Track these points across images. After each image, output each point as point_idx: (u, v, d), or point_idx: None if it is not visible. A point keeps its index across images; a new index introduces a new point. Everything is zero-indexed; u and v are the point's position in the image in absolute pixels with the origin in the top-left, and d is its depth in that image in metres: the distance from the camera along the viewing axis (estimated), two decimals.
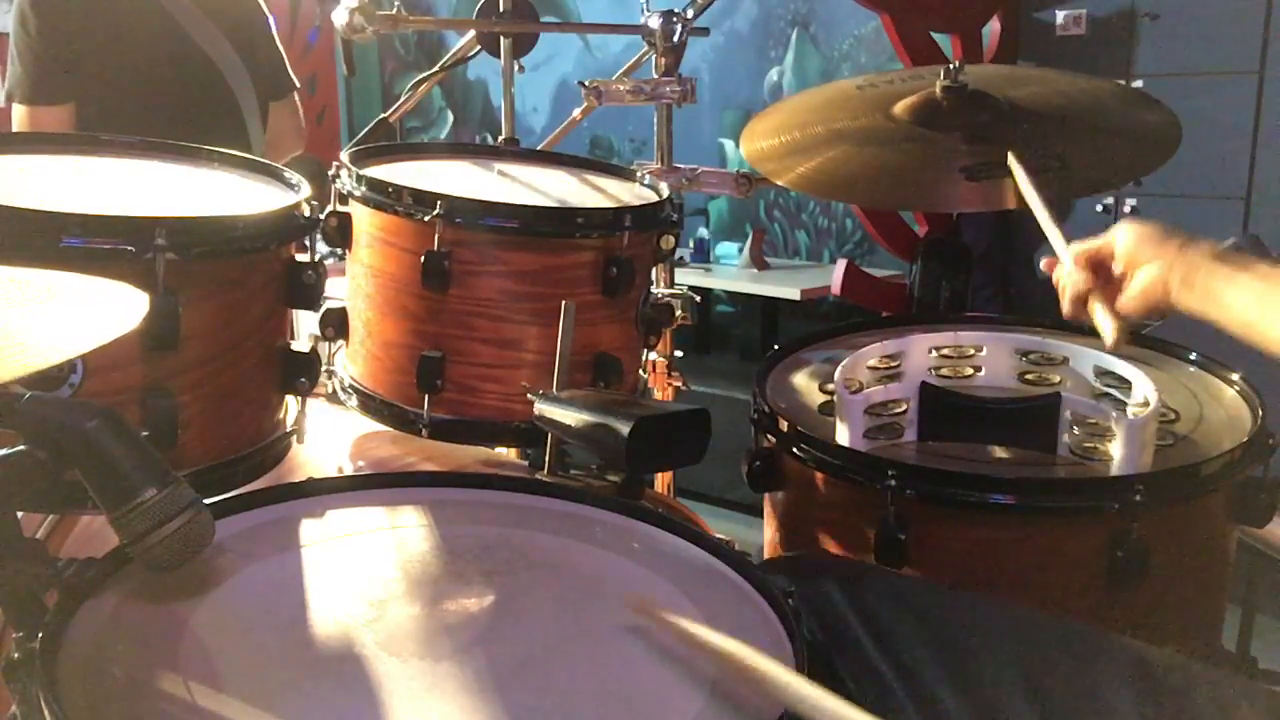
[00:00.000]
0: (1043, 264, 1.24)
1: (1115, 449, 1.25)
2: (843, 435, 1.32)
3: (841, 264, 3.78)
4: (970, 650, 0.99)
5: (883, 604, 1.05)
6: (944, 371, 1.47)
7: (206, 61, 2.34)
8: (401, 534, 1.06)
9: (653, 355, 1.75)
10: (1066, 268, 1.18)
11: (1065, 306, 1.19)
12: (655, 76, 2.00)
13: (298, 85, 2.63)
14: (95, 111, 2.26)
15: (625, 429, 1.13)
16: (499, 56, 1.95)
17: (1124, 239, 1.14)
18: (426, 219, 1.30)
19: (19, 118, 2.26)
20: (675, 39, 1.97)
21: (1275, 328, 1.00)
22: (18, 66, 2.23)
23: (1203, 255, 1.07)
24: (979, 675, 0.97)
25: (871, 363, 1.43)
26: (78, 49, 2.22)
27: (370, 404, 1.43)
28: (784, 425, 1.35)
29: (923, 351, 1.46)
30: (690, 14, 2.01)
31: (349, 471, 1.46)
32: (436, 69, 2.19)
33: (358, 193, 1.37)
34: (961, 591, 1.13)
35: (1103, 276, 1.16)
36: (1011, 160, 1.42)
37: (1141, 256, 1.12)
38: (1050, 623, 1.04)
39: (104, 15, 2.25)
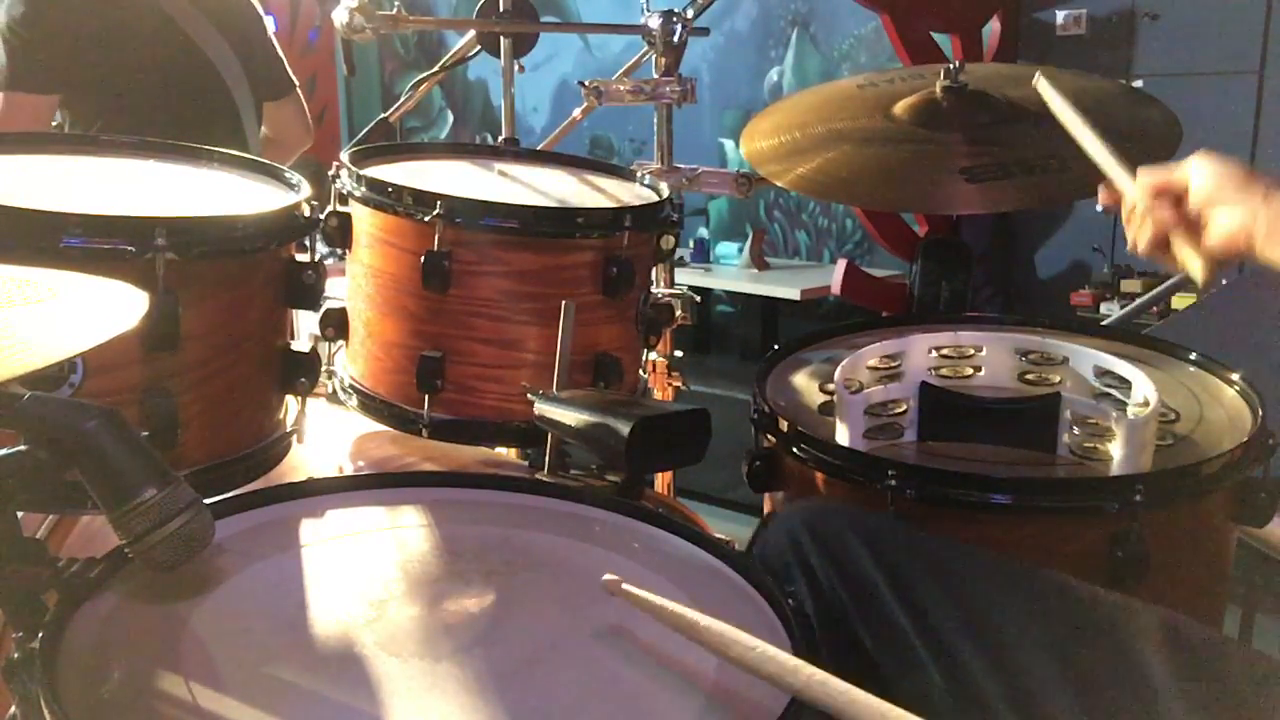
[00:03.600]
0: (1102, 196, 1.16)
1: (1115, 449, 1.25)
2: (843, 435, 1.32)
3: (841, 264, 3.79)
4: (993, 607, 0.98)
5: (904, 557, 1.04)
6: (944, 371, 1.47)
7: (204, 60, 2.34)
8: (401, 534, 1.06)
9: (653, 355, 1.75)
10: (1137, 200, 1.09)
11: (1141, 246, 1.10)
12: (655, 76, 2.00)
13: (297, 83, 2.63)
14: (91, 109, 2.26)
15: (625, 429, 1.13)
16: (499, 56, 1.95)
17: (1202, 176, 1.06)
18: (426, 219, 1.30)
19: None
20: (675, 39, 1.97)
21: None
22: (1, 53, 2.23)
23: None
24: (1001, 632, 0.96)
25: (871, 363, 1.43)
26: (69, 42, 2.22)
27: (370, 404, 1.43)
28: (784, 425, 1.35)
29: (923, 351, 1.46)
30: (690, 14, 2.02)
31: (349, 471, 1.46)
32: (436, 69, 2.19)
33: (358, 193, 1.38)
34: (986, 550, 1.12)
35: (1178, 212, 1.07)
36: (1041, 84, 1.33)
37: (1222, 198, 1.03)
38: (1075, 586, 1.02)
39: (100, 12, 2.25)
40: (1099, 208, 1.17)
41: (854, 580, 1.03)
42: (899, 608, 0.99)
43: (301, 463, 1.38)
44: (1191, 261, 1.06)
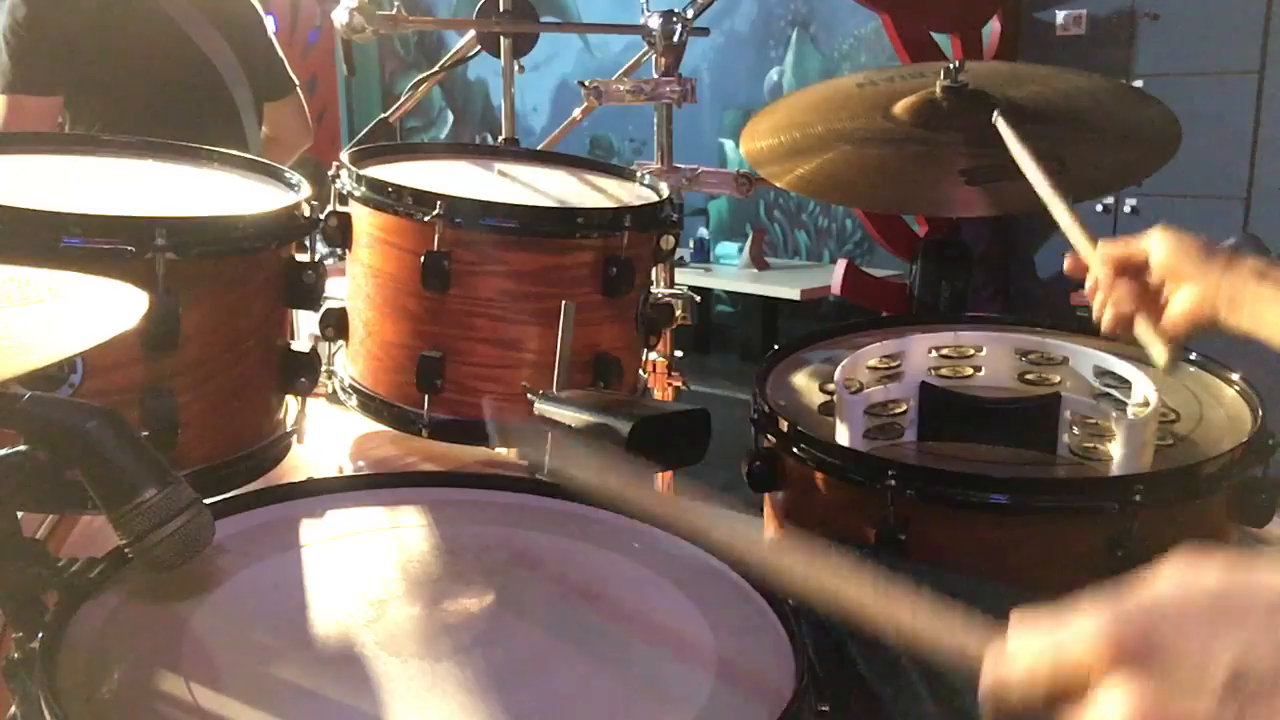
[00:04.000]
0: (1067, 264, 1.16)
1: (1115, 449, 1.25)
2: (843, 435, 1.32)
3: (841, 264, 3.79)
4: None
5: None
6: (944, 371, 1.47)
7: (204, 60, 2.34)
8: (401, 534, 1.06)
9: (653, 355, 1.75)
10: (1101, 279, 1.11)
11: (1105, 323, 1.11)
12: (655, 76, 2.00)
13: (297, 83, 2.63)
14: (91, 109, 2.26)
15: (625, 429, 1.13)
16: (499, 56, 1.95)
17: (1161, 251, 1.07)
18: (426, 219, 1.30)
19: (1, 108, 2.25)
20: (675, 39, 1.98)
21: None
22: (3, 55, 2.23)
23: (1248, 275, 1.01)
24: None
25: (871, 363, 1.43)
26: (70, 43, 2.22)
27: (370, 404, 1.43)
28: (784, 425, 1.35)
29: (923, 351, 1.46)
30: (690, 14, 2.02)
31: (349, 471, 1.46)
32: (436, 69, 2.19)
33: (357, 193, 1.38)
34: (974, 578, 1.12)
35: (1139, 286, 1.08)
36: (1000, 124, 1.34)
37: (1183, 273, 1.05)
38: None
39: (101, 12, 2.25)
40: (1065, 268, 1.17)
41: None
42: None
43: (301, 463, 1.38)
44: (1153, 346, 1.08)
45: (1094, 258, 1.13)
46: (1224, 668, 0.54)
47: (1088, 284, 1.14)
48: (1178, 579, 0.59)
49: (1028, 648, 0.61)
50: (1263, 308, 1.00)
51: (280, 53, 2.59)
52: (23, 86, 2.23)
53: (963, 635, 0.67)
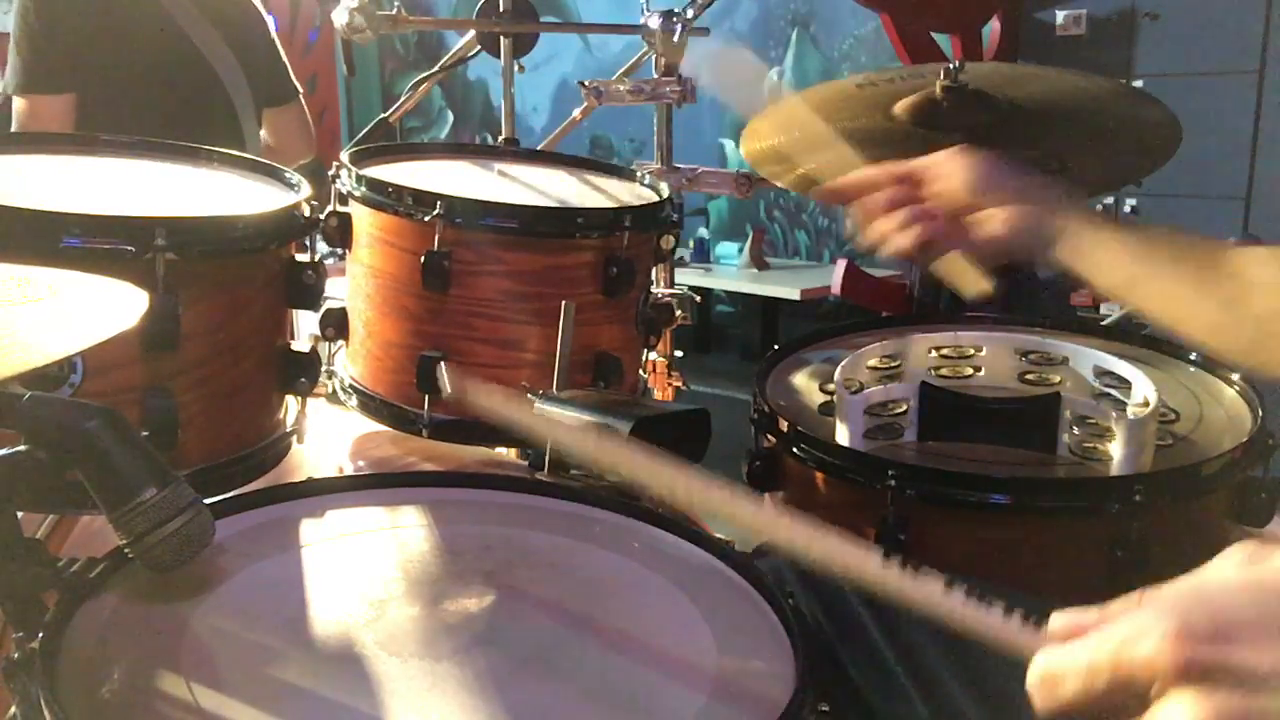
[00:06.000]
0: (820, 192, 1.07)
1: (1115, 449, 1.25)
2: (843, 435, 1.32)
3: (841, 264, 3.79)
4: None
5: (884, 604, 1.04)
6: (944, 371, 1.47)
7: (203, 63, 2.34)
8: (401, 534, 1.06)
9: (653, 355, 1.75)
10: (881, 194, 1.03)
11: (906, 246, 1.02)
12: (655, 76, 2.00)
13: (301, 90, 2.62)
14: (92, 109, 2.26)
15: (625, 429, 1.13)
16: (499, 56, 1.95)
17: (971, 169, 1.00)
18: (426, 219, 1.30)
19: (19, 110, 2.26)
20: (675, 39, 1.98)
21: (1148, 288, 0.94)
22: (17, 58, 2.23)
23: (1074, 204, 0.97)
24: (983, 662, 0.96)
25: (871, 363, 1.43)
26: (77, 41, 2.23)
27: (370, 404, 1.43)
28: (784, 425, 1.35)
29: (923, 351, 1.46)
30: (690, 14, 2.02)
31: (349, 471, 1.46)
32: (436, 69, 2.19)
33: (358, 193, 1.38)
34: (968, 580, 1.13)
35: (935, 211, 1.00)
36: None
37: (1001, 191, 0.99)
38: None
39: (104, 12, 2.25)
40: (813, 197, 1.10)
41: (840, 616, 1.03)
42: (884, 641, 1.00)
43: (301, 463, 1.38)
44: (965, 275, 1.01)
45: (867, 173, 1.04)
46: None
47: (854, 207, 1.05)
48: (1244, 580, 0.57)
49: (1087, 645, 0.58)
50: (1087, 238, 0.96)
51: (284, 59, 2.57)
52: (37, 86, 2.23)
53: (1007, 629, 0.65)
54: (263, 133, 2.55)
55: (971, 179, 1.00)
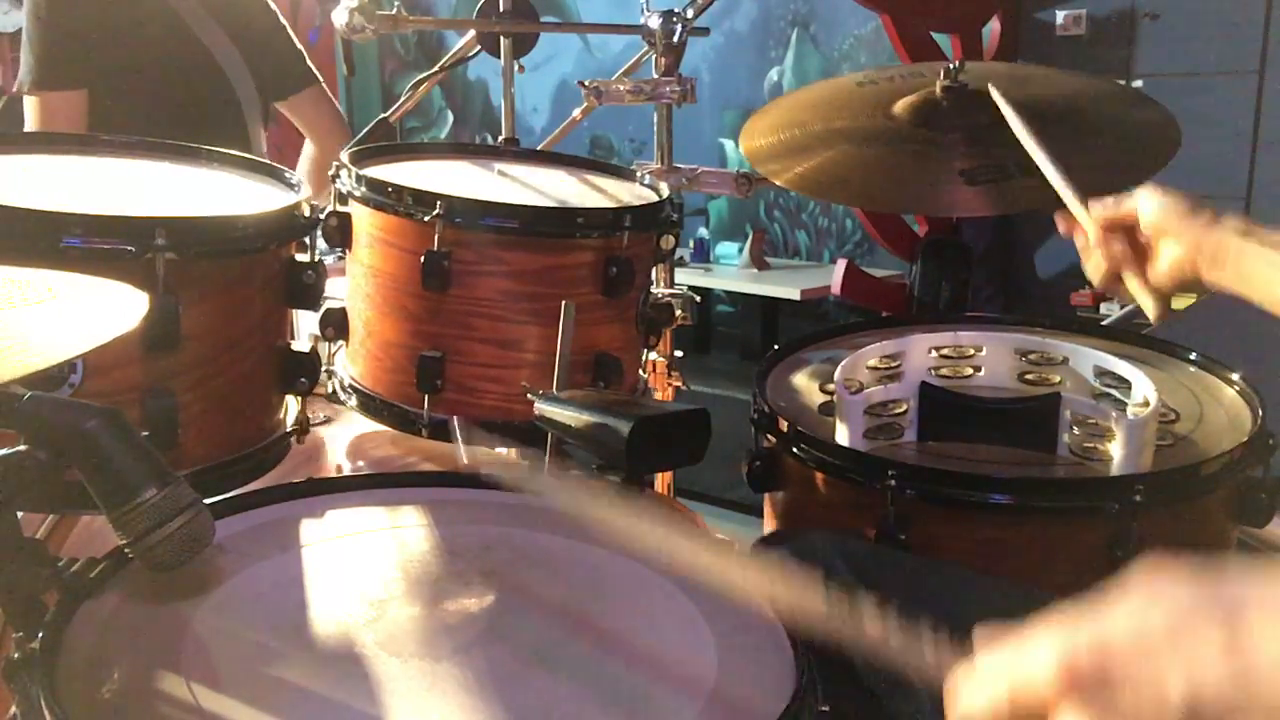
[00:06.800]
0: (1060, 226, 1.19)
1: (1115, 449, 1.25)
2: (843, 435, 1.32)
3: (841, 264, 3.78)
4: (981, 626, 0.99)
5: (888, 578, 1.04)
6: (944, 371, 1.47)
7: (209, 59, 2.34)
8: (401, 534, 1.06)
9: (653, 355, 1.75)
10: (1092, 236, 1.14)
11: (1096, 278, 1.14)
12: (655, 76, 2.00)
13: (320, 77, 2.58)
14: (102, 106, 2.26)
15: (625, 429, 1.13)
16: (499, 56, 1.95)
17: (1149, 208, 1.09)
18: (426, 219, 1.30)
19: (31, 108, 2.25)
20: (675, 39, 1.97)
21: None
22: (29, 54, 2.23)
23: (1231, 232, 1.03)
24: None
25: (871, 363, 1.43)
26: (86, 39, 2.22)
27: (370, 404, 1.43)
28: (784, 425, 1.35)
29: (923, 351, 1.46)
30: (690, 14, 2.01)
31: (349, 471, 1.46)
32: (436, 69, 2.19)
33: (358, 193, 1.37)
34: (968, 570, 1.14)
35: (1130, 244, 1.12)
36: (997, 97, 1.37)
37: (1168, 229, 1.07)
38: (1056, 603, 1.03)
39: (113, 10, 2.25)
40: (1059, 229, 1.19)
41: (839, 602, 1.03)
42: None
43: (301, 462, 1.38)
44: (1142, 297, 1.11)
45: (1085, 217, 1.16)
46: (1178, 698, 0.53)
47: (1078, 242, 1.17)
48: (1138, 600, 0.59)
49: (989, 677, 0.61)
50: (1245, 263, 1.02)
51: (298, 47, 2.52)
52: (50, 83, 2.23)
53: (929, 654, 0.67)
54: (306, 150, 2.54)
55: (1147, 218, 1.09)
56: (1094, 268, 1.14)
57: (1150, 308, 1.11)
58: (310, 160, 2.56)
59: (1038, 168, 1.29)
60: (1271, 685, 0.51)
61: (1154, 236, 1.10)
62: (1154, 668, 0.54)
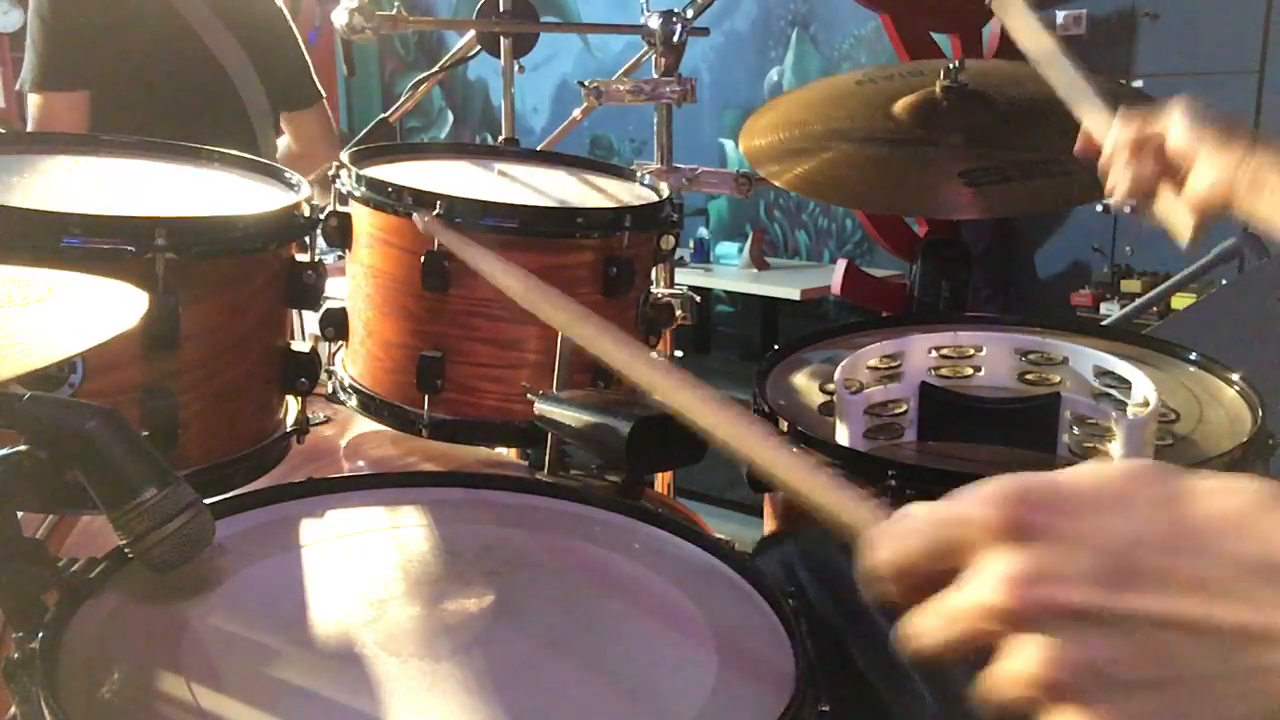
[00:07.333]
0: (1078, 145, 1.13)
1: (1115, 449, 1.25)
2: (843, 435, 1.32)
3: (841, 264, 3.79)
4: None
5: None
6: (944, 371, 1.47)
7: (215, 64, 2.33)
8: (401, 534, 1.06)
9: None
10: (1115, 152, 1.07)
11: (1119, 195, 1.07)
12: (655, 76, 2.00)
13: (324, 94, 2.59)
14: (104, 107, 2.26)
15: (625, 429, 1.13)
16: (499, 56, 1.95)
17: (1179, 133, 1.03)
18: (426, 219, 1.30)
19: (34, 107, 2.25)
20: (675, 39, 1.98)
21: None
22: (32, 54, 2.23)
23: (1275, 159, 0.98)
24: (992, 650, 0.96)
25: (871, 363, 1.43)
26: (89, 39, 2.23)
27: (370, 404, 1.43)
28: (784, 425, 1.35)
29: (923, 351, 1.46)
30: (690, 14, 2.02)
31: (349, 471, 1.46)
32: (436, 69, 2.19)
33: (358, 193, 1.37)
34: None
35: (1158, 163, 1.05)
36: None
37: (1204, 149, 1.01)
38: None
39: (117, 12, 2.25)
40: (1076, 148, 1.13)
41: (847, 604, 1.03)
42: (894, 634, 1.00)
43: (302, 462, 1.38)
44: (1174, 217, 1.04)
45: (1108, 132, 1.09)
46: (1113, 553, 0.47)
47: (1101, 160, 1.10)
48: (1094, 468, 0.52)
49: (908, 525, 0.54)
50: None
51: (307, 61, 2.54)
52: (53, 83, 2.23)
53: (854, 510, 0.62)
54: (285, 139, 2.54)
55: (1180, 137, 1.03)
56: (1116, 185, 1.07)
57: (1183, 229, 1.04)
58: (286, 148, 2.55)
59: (1037, 168, 1.29)
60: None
61: (1186, 155, 1.03)
62: (1098, 518, 0.49)
